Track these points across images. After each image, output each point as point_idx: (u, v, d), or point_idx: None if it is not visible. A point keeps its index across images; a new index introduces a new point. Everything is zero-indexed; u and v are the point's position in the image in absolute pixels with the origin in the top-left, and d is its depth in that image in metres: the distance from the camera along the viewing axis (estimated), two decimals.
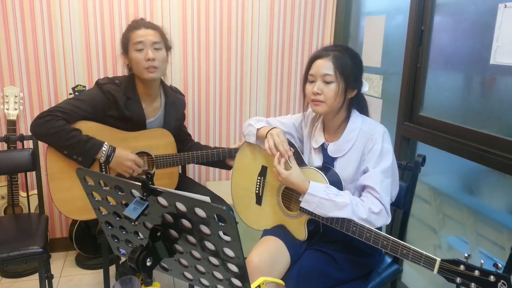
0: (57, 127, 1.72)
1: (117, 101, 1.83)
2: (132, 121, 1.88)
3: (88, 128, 1.81)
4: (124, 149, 1.83)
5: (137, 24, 1.86)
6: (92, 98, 1.83)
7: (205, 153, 1.98)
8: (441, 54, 1.90)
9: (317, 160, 1.58)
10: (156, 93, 1.96)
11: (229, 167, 2.09)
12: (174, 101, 2.02)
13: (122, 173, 1.85)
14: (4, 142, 2.18)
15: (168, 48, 1.90)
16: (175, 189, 1.99)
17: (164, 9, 2.49)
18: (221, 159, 2.01)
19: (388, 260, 1.69)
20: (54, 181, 1.79)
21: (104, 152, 1.77)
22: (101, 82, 1.86)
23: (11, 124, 2.30)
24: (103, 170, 1.85)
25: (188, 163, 1.99)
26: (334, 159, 1.53)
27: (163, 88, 2.00)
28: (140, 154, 1.92)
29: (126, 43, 1.84)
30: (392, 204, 1.53)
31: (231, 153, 1.99)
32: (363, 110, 1.58)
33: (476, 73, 1.72)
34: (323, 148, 1.57)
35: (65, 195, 1.80)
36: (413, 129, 2.00)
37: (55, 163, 1.79)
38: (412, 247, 1.21)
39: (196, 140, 2.70)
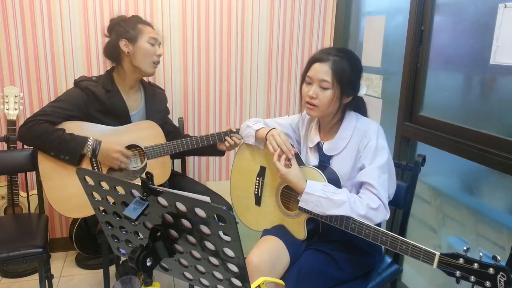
0: (39, 130, 1.77)
1: (97, 95, 1.87)
2: (116, 114, 1.92)
3: (73, 127, 1.83)
4: (110, 142, 1.85)
5: (146, 22, 1.95)
6: (71, 96, 1.88)
7: (194, 138, 1.99)
8: (441, 54, 1.90)
9: (313, 159, 1.59)
10: (137, 86, 2.03)
11: (221, 152, 2.09)
12: (154, 94, 2.09)
13: (112, 166, 1.87)
14: (4, 142, 2.18)
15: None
16: (169, 179, 2.03)
17: (164, 9, 2.49)
18: (211, 143, 2.01)
19: (388, 260, 1.69)
20: (48, 181, 1.81)
21: (89, 146, 1.80)
22: (77, 80, 1.92)
23: (11, 124, 2.30)
24: (94, 165, 1.86)
25: (178, 150, 1.99)
26: (329, 157, 1.53)
27: (140, 82, 2.06)
28: (130, 147, 1.93)
29: (135, 33, 1.88)
30: (392, 204, 1.53)
31: (221, 137, 1.99)
32: (361, 112, 1.58)
33: (476, 73, 1.72)
34: (318, 147, 1.58)
35: (59, 194, 1.81)
36: (413, 129, 2.00)
37: (47, 163, 1.81)
38: (411, 242, 1.21)
39: None
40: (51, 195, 1.80)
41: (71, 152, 1.78)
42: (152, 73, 1.95)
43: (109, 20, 1.98)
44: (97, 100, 1.87)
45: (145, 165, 1.94)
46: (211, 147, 2.03)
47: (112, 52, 1.92)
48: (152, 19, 2.48)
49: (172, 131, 2.15)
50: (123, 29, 1.89)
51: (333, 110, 1.48)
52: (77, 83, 1.90)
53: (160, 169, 1.98)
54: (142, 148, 1.94)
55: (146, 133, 1.96)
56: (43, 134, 1.77)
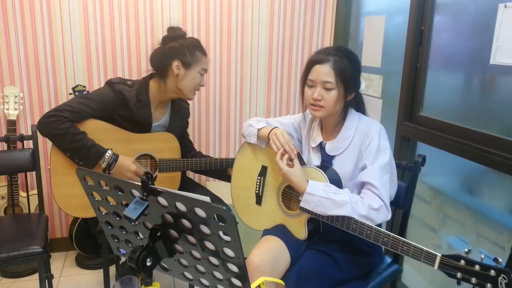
0: (62, 129, 1.72)
1: (128, 101, 1.84)
2: (139, 123, 1.89)
3: (94, 126, 1.81)
4: (127, 158, 1.82)
5: (204, 50, 1.93)
6: (102, 96, 1.84)
7: (208, 160, 1.99)
8: (441, 54, 1.90)
9: (316, 159, 1.58)
10: (167, 100, 2.01)
11: (229, 177, 2.09)
12: (180, 109, 2.07)
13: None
14: (4, 142, 2.18)
15: None
16: None
17: (164, 9, 2.49)
18: (224, 167, 2.02)
19: (388, 260, 1.69)
20: (56, 176, 1.80)
21: (106, 159, 1.77)
22: (112, 81, 1.87)
23: (11, 124, 2.30)
24: (106, 173, 1.84)
25: (191, 169, 1.99)
26: (332, 157, 1.53)
27: None
28: (144, 156, 1.92)
29: (191, 60, 1.86)
30: (392, 204, 1.53)
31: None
32: (361, 108, 1.59)
33: (476, 73, 1.72)
34: (321, 147, 1.58)
35: (65, 190, 1.81)
36: (413, 129, 2.00)
37: (59, 158, 1.79)
38: (413, 243, 1.21)
39: (195, 140, 2.72)
40: (56, 190, 1.80)
41: (87, 160, 1.76)
42: (191, 99, 1.96)
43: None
44: (125, 106, 1.84)
45: (155, 177, 1.92)
46: (222, 170, 2.05)
47: (161, 66, 1.88)
48: (152, 19, 2.48)
49: (187, 146, 2.14)
50: (181, 51, 1.86)
51: (339, 108, 1.49)
52: (112, 84, 1.85)
53: (169, 184, 1.96)
54: (156, 159, 1.93)
55: (163, 145, 1.94)
56: (64, 135, 1.72)
